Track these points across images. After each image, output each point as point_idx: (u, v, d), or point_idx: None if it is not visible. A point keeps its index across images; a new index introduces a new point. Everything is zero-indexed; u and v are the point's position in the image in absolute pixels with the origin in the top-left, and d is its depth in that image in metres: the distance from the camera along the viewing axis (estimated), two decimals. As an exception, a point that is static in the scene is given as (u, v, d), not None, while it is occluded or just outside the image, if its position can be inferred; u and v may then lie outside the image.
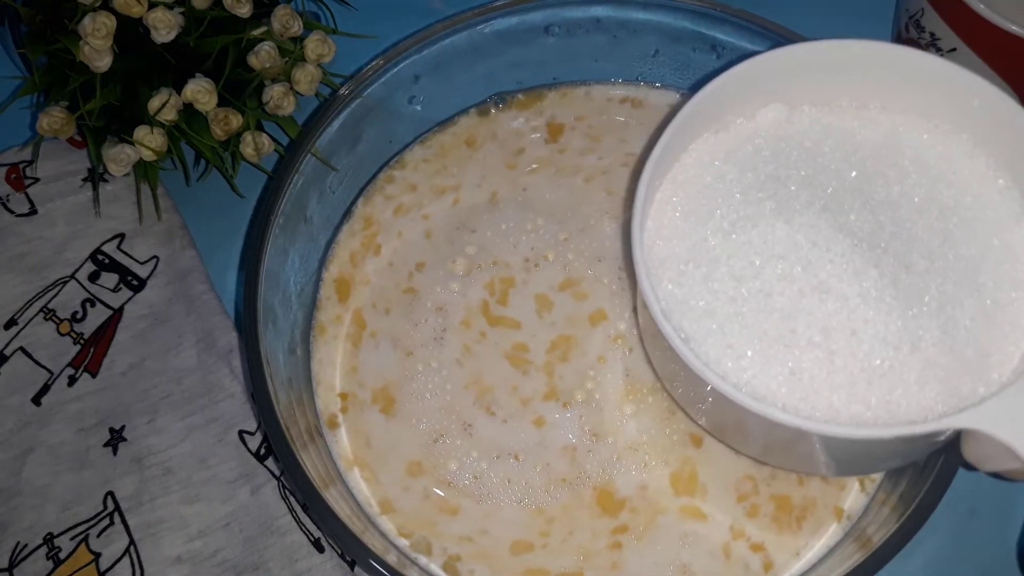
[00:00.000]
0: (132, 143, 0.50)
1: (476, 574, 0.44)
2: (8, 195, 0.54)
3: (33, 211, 0.53)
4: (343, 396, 0.48)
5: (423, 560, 0.44)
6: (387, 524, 0.45)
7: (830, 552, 0.44)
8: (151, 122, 0.49)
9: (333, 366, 0.49)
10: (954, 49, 0.49)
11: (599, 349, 0.48)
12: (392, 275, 0.50)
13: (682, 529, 0.44)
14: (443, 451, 0.46)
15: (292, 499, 0.47)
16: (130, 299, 0.52)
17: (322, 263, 0.51)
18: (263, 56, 0.50)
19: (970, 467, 0.37)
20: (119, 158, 0.50)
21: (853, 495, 0.45)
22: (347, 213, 0.52)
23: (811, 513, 0.45)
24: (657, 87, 0.54)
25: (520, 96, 0.54)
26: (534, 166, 0.53)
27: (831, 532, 0.44)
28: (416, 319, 0.49)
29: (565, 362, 0.48)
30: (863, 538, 0.42)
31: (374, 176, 0.53)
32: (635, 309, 0.48)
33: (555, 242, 0.50)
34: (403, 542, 0.45)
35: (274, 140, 0.52)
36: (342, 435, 0.47)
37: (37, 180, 0.54)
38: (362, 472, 0.46)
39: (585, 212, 0.51)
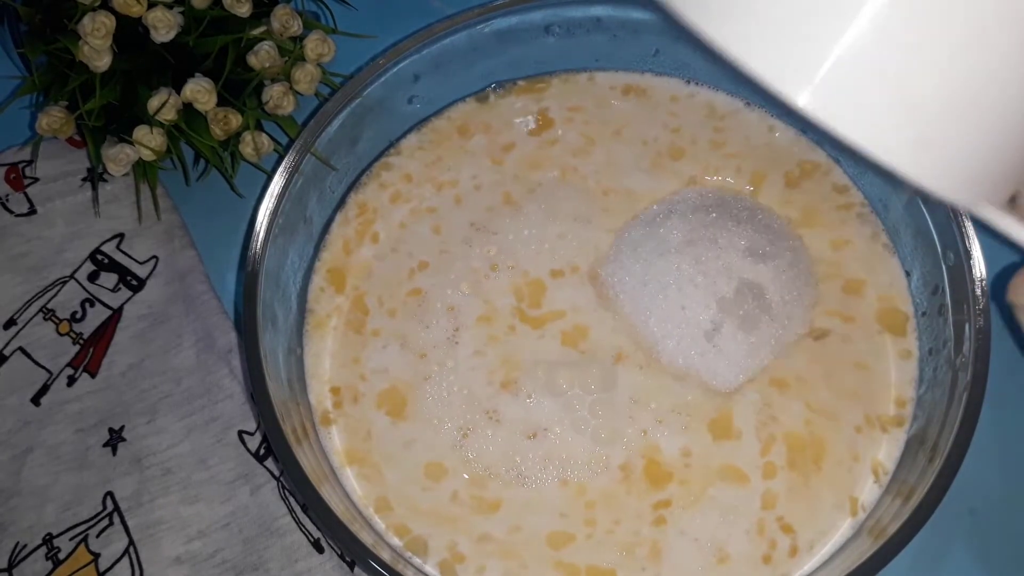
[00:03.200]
0: (131, 143, 0.50)
1: (487, 570, 0.44)
2: (7, 195, 0.54)
3: (32, 211, 0.53)
4: (335, 391, 0.48)
5: (417, 560, 0.44)
6: (384, 523, 0.45)
7: (845, 545, 0.44)
8: (150, 122, 0.49)
9: (328, 359, 0.48)
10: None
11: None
12: (395, 269, 0.50)
13: (725, 503, 0.44)
14: (472, 445, 0.46)
15: (292, 499, 0.47)
16: (129, 299, 0.52)
17: (315, 254, 0.51)
18: (263, 56, 0.50)
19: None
20: (118, 158, 0.50)
21: (868, 487, 0.45)
22: (340, 203, 0.52)
23: (825, 456, 0.45)
24: (661, 76, 0.54)
25: (520, 83, 0.54)
26: (531, 160, 0.53)
27: (846, 526, 0.44)
28: (427, 321, 0.49)
29: (586, 339, 0.48)
30: (876, 530, 0.42)
31: (369, 166, 0.53)
32: None
33: (558, 236, 0.50)
34: (396, 541, 0.45)
35: (274, 140, 0.52)
36: (335, 432, 0.47)
37: (36, 180, 0.54)
38: (360, 470, 0.46)
39: (570, 208, 0.51)
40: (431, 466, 0.46)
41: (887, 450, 0.46)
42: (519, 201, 0.51)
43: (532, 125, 0.53)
